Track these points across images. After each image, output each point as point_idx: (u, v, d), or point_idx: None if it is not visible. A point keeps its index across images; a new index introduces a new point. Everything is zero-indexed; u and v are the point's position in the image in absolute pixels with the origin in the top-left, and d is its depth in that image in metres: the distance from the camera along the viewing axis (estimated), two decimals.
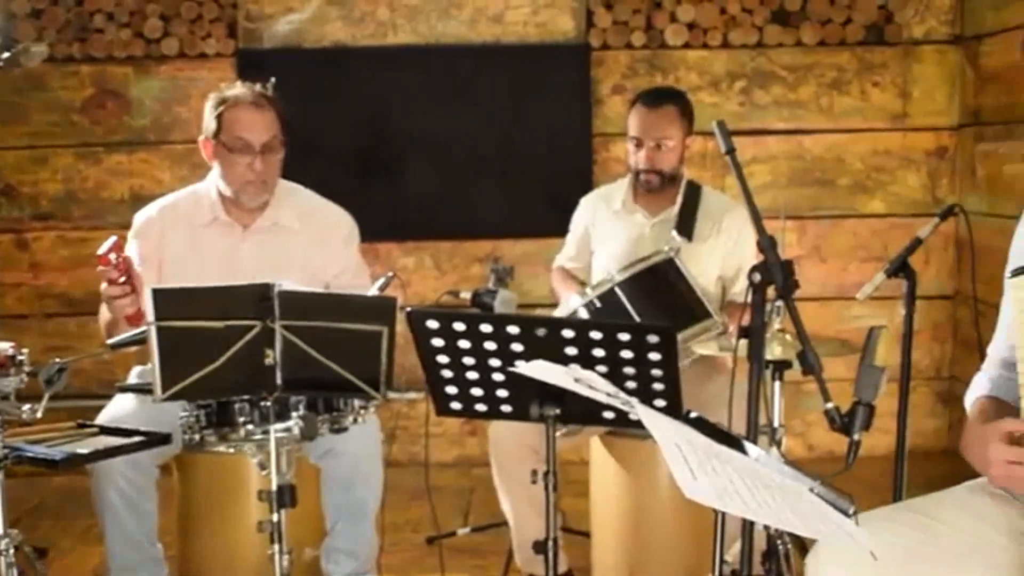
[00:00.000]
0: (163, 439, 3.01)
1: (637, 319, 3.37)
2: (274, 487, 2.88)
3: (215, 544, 3.48)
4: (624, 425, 2.82)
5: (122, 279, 3.03)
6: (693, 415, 2.09)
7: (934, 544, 2.26)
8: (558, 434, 2.79)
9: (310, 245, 3.66)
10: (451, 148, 5.51)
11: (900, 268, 3.37)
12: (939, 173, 5.66)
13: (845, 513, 1.89)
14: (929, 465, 4.56)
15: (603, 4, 5.50)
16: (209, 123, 3.54)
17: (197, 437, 2.95)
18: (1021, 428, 2.17)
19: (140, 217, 3.68)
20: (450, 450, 5.70)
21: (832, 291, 5.63)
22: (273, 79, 3.65)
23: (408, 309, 2.69)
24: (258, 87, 3.58)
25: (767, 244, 2.46)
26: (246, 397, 2.88)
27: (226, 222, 3.64)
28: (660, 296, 3.47)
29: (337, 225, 3.74)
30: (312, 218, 3.70)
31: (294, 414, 2.89)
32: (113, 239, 3.05)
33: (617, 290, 3.44)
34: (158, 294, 2.73)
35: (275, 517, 2.89)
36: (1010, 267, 2.40)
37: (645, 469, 3.60)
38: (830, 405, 2.33)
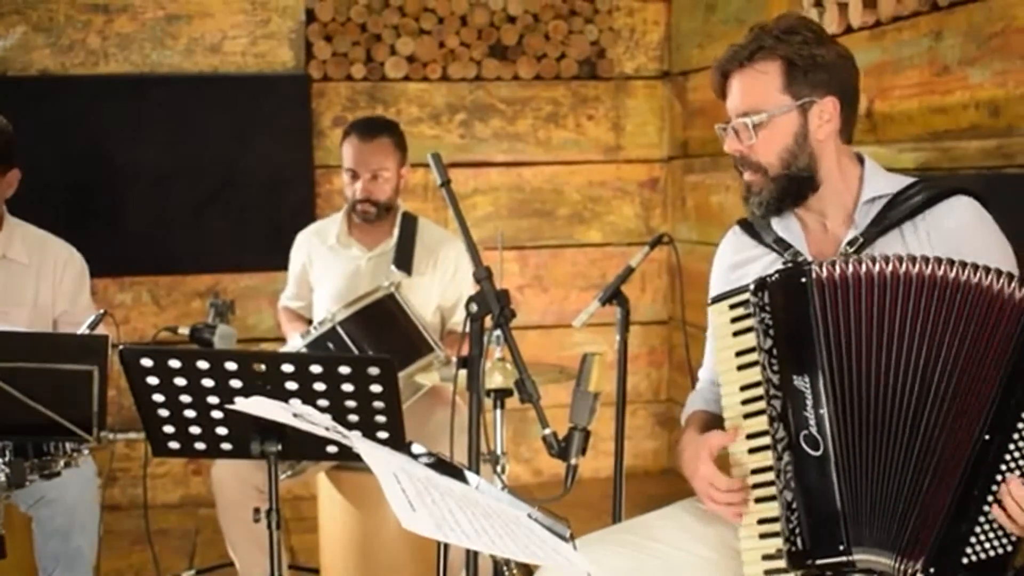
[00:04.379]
0: None
1: None
2: None
3: None
4: (348, 459, 2.82)
5: None
6: (415, 446, 2.09)
7: (648, 562, 2.35)
8: (283, 477, 2.75)
9: (41, 281, 3.59)
10: (170, 181, 5.36)
11: (613, 296, 3.48)
12: (652, 203, 5.89)
13: (562, 537, 1.93)
14: (649, 484, 4.72)
15: (322, 36, 5.49)
16: None
17: None
18: (726, 441, 2.30)
19: None
20: (175, 491, 5.53)
21: (553, 319, 5.77)
22: None
23: (121, 347, 2.61)
24: None
25: (482, 275, 2.50)
26: None
27: None
28: (383, 332, 3.47)
29: (68, 262, 3.66)
30: (43, 254, 3.62)
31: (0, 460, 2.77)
32: None
33: (339, 329, 3.43)
34: None
35: None
36: (711, 294, 2.53)
37: (372, 502, 3.59)
38: (547, 431, 2.38)
